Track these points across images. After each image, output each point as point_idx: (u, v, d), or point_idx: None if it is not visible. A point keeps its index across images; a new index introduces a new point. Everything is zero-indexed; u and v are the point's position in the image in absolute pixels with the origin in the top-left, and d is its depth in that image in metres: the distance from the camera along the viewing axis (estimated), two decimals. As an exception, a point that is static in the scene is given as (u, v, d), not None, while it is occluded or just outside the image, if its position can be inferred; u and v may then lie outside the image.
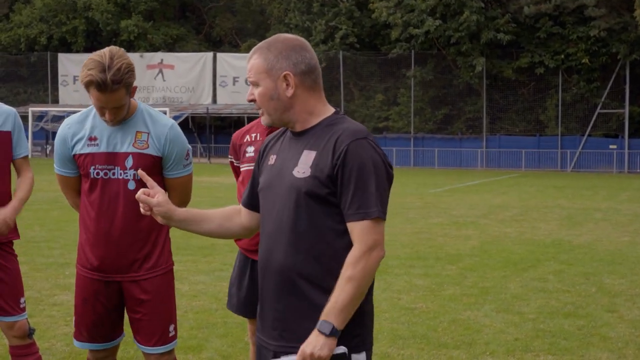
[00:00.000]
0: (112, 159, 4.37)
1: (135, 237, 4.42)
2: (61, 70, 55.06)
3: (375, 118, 51.73)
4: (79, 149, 4.40)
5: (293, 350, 3.04)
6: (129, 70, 4.18)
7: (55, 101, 55.32)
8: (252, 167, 4.78)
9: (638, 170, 45.26)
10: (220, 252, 12.43)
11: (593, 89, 47.00)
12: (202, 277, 10.42)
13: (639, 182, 35.04)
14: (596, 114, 47.13)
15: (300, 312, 3.11)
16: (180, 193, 4.59)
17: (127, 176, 4.37)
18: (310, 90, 3.21)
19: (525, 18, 46.54)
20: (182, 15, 60.97)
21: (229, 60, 53.66)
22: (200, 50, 56.00)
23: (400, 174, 39.55)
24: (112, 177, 4.37)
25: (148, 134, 4.41)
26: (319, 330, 2.98)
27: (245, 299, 5.13)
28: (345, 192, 3.04)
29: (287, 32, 53.80)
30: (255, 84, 3.22)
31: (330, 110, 3.25)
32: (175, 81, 53.56)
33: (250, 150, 5.00)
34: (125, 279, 4.47)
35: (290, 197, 3.12)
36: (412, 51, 48.99)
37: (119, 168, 4.36)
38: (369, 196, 3.03)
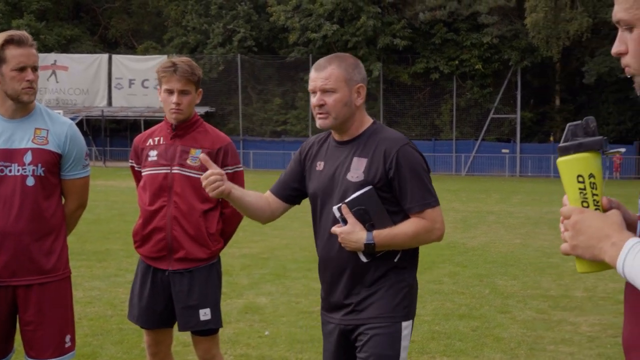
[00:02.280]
0: (9, 155, 4.22)
1: (32, 237, 4.25)
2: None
3: (273, 122, 51.79)
4: None
5: (352, 323, 3.71)
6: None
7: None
8: (154, 172, 4.72)
9: (529, 174, 46.48)
10: (116, 258, 12.22)
11: (486, 94, 48.10)
12: (97, 283, 10.22)
13: (530, 186, 35.97)
14: (489, 118, 48.24)
15: (360, 294, 3.69)
16: (78, 195, 4.47)
17: (25, 172, 4.22)
18: (364, 103, 3.78)
19: (421, 24, 47.33)
20: (76, 16, 59.75)
21: (124, 62, 52.84)
22: (95, 52, 54.93)
23: (298, 177, 39.68)
24: (9, 174, 4.22)
25: (47, 130, 4.30)
26: (365, 234, 3.58)
27: (147, 310, 4.96)
28: (404, 190, 3.61)
29: (184, 34, 53.46)
30: (333, 91, 3.65)
31: (370, 120, 3.81)
32: (69, 83, 52.39)
33: (153, 155, 4.84)
34: (20, 283, 4.27)
35: (344, 198, 3.64)
36: (310, 55, 49.18)
37: (16, 165, 4.22)
38: (424, 190, 3.63)
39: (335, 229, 3.62)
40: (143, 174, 4.88)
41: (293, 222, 16.57)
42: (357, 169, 3.63)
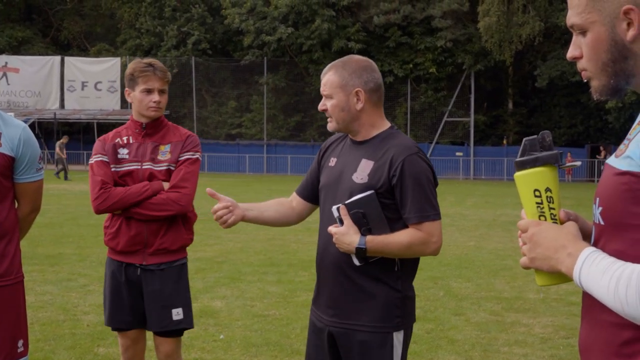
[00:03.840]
0: None
1: None
2: None
3: (228, 125, 51.65)
4: None
5: (341, 326, 3.66)
6: None
7: None
8: (127, 168, 4.81)
9: (483, 177, 46.90)
10: (69, 262, 12.08)
11: (440, 97, 48.47)
12: (49, 287, 10.09)
13: (484, 188, 36.27)
14: (443, 122, 48.60)
15: (352, 296, 3.65)
16: (32, 199, 4.41)
17: None
18: (375, 106, 3.75)
19: (375, 27, 47.56)
20: (27, 18, 59.05)
21: (77, 65, 52.36)
22: (47, 54, 54.34)
23: (253, 180, 39.63)
24: None
25: (0, 133, 4.23)
26: (358, 238, 3.55)
27: (128, 309, 4.91)
28: (405, 199, 3.58)
29: (137, 37, 53.11)
30: (329, 97, 3.72)
31: (387, 124, 3.80)
32: (20, 85, 51.75)
33: (123, 152, 4.89)
34: None
35: (346, 197, 3.64)
36: (265, 58, 49.20)
37: None
38: (425, 202, 3.60)
39: (332, 228, 3.62)
40: (113, 170, 4.87)
41: (247, 225, 16.49)
42: (363, 171, 3.65)
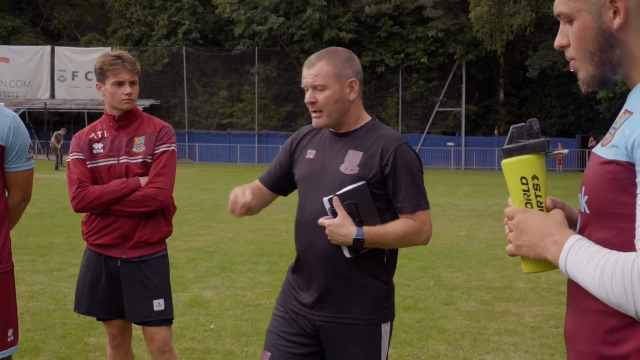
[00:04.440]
0: None
1: None
2: None
3: (220, 115, 51.57)
4: None
5: (329, 320, 3.59)
6: None
7: None
8: (103, 164, 4.83)
9: (474, 167, 46.96)
10: (59, 252, 12.08)
11: (432, 88, 48.46)
12: (39, 278, 10.09)
13: (475, 178, 36.33)
14: (435, 112, 48.61)
15: (343, 289, 3.58)
16: (22, 188, 4.42)
17: None
18: (360, 98, 3.71)
19: (367, 17, 47.51)
20: (17, 7, 58.77)
21: (68, 55, 52.20)
22: (37, 44, 54.16)
23: (244, 170, 39.58)
24: None
25: None
26: (355, 229, 3.47)
27: (108, 300, 4.92)
28: (399, 190, 3.54)
29: (128, 27, 52.97)
30: (323, 88, 3.58)
31: (369, 116, 3.74)
32: (10, 75, 51.58)
33: (99, 147, 4.89)
34: None
35: (335, 189, 3.54)
36: (256, 48, 49.11)
37: None
38: (418, 192, 3.58)
39: (324, 220, 3.51)
40: (89, 166, 4.87)
41: (239, 215, 16.51)
42: (352, 162, 3.56)
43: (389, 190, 3.56)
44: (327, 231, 3.51)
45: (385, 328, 3.63)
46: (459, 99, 48.65)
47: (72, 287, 9.49)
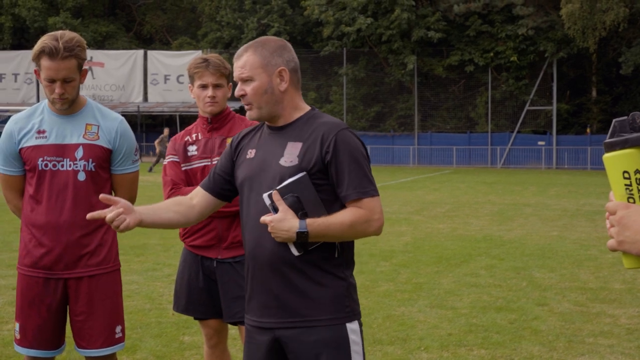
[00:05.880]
0: (61, 150, 4.34)
1: (83, 230, 4.36)
2: (-12, 68, 53.92)
3: (308, 116, 51.76)
4: (26, 143, 4.36)
5: (290, 325, 3.36)
6: (80, 45, 4.24)
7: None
8: (196, 166, 4.82)
9: (565, 166, 46.12)
10: (153, 252, 12.33)
11: (522, 86, 47.74)
12: (135, 277, 10.32)
13: (566, 178, 35.70)
14: (525, 111, 47.89)
15: (297, 290, 3.36)
16: (128, 190, 4.58)
17: (77, 167, 4.34)
18: (296, 88, 3.50)
19: (455, 16, 47.09)
20: (111, 13, 60.18)
21: (160, 58, 53.14)
22: (130, 48, 55.30)
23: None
24: (61, 168, 4.33)
25: (98, 126, 4.41)
26: (298, 222, 3.28)
27: (204, 299, 5.03)
28: (342, 176, 3.35)
29: (218, 29, 53.64)
30: (250, 79, 3.42)
31: (308, 106, 3.55)
32: (105, 79, 52.75)
33: (193, 149, 5.01)
34: (72, 276, 4.37)
35: (276, 184, 3.35)
36: (344, 49, 49.18)
37: (68, 159, 4.33)
38: (363, 178, 3.37)
39: (265, 217, 3.31)
40: (184, 168, 4.99)
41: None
42: (291, 154, 3.38)
43: (332, 179, 3.37)
44: (269, 228, 3.31)
45: (352, 327, 3.40)
46: (550, 97, 47.82)
47: (166, 287, 9.69)
